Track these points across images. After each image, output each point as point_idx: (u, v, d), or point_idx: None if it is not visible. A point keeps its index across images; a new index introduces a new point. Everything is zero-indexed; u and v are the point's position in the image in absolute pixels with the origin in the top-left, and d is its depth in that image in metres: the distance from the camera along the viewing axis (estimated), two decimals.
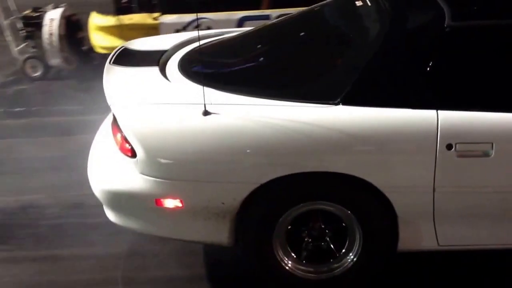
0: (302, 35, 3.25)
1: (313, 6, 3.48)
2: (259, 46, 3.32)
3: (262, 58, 3.16)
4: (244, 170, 2.58)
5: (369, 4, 2.97)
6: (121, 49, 3.40)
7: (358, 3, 3.04)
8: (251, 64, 3.10)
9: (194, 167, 2.60)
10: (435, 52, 2.54)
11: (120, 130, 2.67)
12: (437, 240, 2.71)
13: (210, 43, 3.45)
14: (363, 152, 2.54)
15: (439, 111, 2.49)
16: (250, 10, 5.68)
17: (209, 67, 3.08)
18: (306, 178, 2.58)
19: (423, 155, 2.51)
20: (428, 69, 2.53)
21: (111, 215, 2.89)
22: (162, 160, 2.60)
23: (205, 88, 2.53)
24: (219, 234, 2.72)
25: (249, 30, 3.63)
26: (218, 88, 2.69)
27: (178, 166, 2.61)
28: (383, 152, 2.53)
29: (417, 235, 2.70)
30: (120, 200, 2.77)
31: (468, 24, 2.61)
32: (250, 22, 5.39)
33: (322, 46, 3.02)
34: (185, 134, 2.59)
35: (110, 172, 2.82)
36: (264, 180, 2.55)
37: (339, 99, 2.52)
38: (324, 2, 3.48)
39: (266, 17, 5.45)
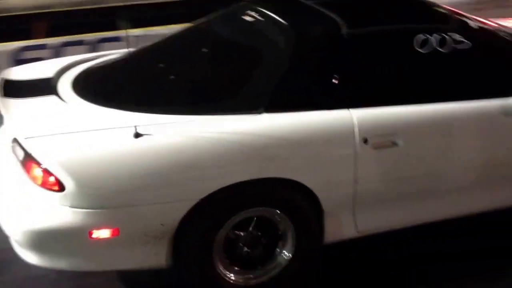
0: (205, 51, 3.30)
1: (197, 22, 3.54)
2: (161, 64, 3.29)
3: (172, 76, 3.12)
4: (182, 187, 2.55)
5: (262, 19, 3.13)
6: (3, 81, 3.21)
7: (249, 18, 3.19)
8: (162, 83, 3.08)
9: (129, 192, 2.51)
10: (338, 57, 2.84)
11: (38, 164, 2.50)
12: (356, 228, 2.91)
13: (98, 65, 3.41)
14: (290, 155, 2.67)
15: (351, 110, 2.74)
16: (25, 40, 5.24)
17: (117, 90, 3.07)
18: (242, 187, 2.62)
19: (344, 150, 2.74)
20: (335, 72, 2.78)
21: (32, 257, 2.64)
22: (95, 189, 2.48)
23: (121, 111, 2.63)
24: (158, 257, 2.64)
25: (139, 49, 3.61)
26: (139, 110, 2.67)
27: (112, 193, 2.50)
28: (308, 152, 2.69)
29: (339, 226, 2.88)
30: (47, 239, 2.55)
31: (362, 30, 2.94)
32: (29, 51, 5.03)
33: (230, 61, 3.10)
34: (117, 159, 2.50)
35: (30, 211, 2.58)
36: (203, 195, 2.55)
37: (262, 108, 2.66)
38: (207, 19, 3.54)
39: (42, 47, 5.08)
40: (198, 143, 2.54)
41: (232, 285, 2.81)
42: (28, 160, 2.56)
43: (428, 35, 2.93)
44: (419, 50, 2.92)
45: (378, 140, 2.76)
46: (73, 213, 2.48)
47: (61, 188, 2.46)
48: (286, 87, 2.74)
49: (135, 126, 2.49)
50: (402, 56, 2.97)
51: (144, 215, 2.54)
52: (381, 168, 2.83)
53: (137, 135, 2.49)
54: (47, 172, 2.48)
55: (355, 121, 2.72)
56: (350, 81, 2.80)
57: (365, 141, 2.73)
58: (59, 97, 2.91)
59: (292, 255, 2.83)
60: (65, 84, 3.07)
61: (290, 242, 2.82)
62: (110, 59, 3.51)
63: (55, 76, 3.19)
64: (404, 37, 2.95)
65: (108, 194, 2.50)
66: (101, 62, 3.47)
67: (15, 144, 2.64)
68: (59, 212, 2.49)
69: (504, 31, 3.40)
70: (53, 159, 2.47)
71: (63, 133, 2.58)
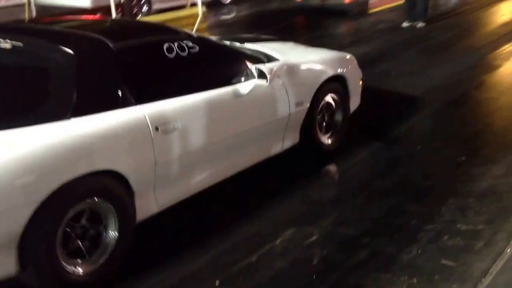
0: None
1: None
2: None
3: None
4: (21, 194, 2.78)
5: (28, 43, 3.57)
6: None
7: (8, 45, 3.52)
8: None
9: None
10: (115, 66, 3.43)
11: None
12: (157, 203, 3.55)
13: None
14: (102, 149, 3.15)
15: (140, 106, 3.38)
16: None
17: None
18: (69, 185, 2.96)
19: (144, 138, 3.35)
20: (118, 78, 3.39)
21: None
22: None
23: None
24: (6, 266, 2.85)
25: None
26: None
27: None
28: (116, 145, 3.23)
29: (145, 204, 3.48)
30: None
31: (126, 43, 3.62)
32: None
33: (23, 80, 3.44)
34: None
35: None
36: (42, 198, 2.84)
37: (68, 114, 3.09)
38: None
39: None
40: (24, 154, 2.83)
41: (78, 277, 3.13)
42: None
43: (171, 43, 3.76)
44: (168, 55, 3.71)
45: (164, 127, 3.45)
46: None
47: None
48: (83, 95, 3.20)
49: None
50: (159, 60, 3.70)
51: None
52: (170, 148, 3.53)
53: None
54: None
55: (146, 115, 3.37)
56: (131, 84, 3.40)
57: (157, 128, 3.40)
58: None
59: (118, 235, 3.28)
60: None
61: (113, 225, 3.27)
62: None
63: None
64: (156, 46, 3.71)
65: None
66: None
67: None
68: None
69: (215, 40, 4.64)
70: None
71: None
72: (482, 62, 7.78)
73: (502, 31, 9.63)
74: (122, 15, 8.82)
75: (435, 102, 6.24)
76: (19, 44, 3.52)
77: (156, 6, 11.29)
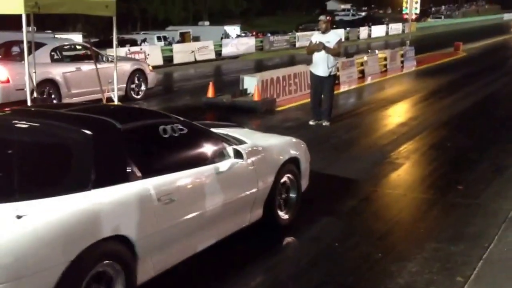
0: (12, 151, 3.96)
1: None
2: None
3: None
4: (59, 251, 3.20)
5: (44, 124, 4.04)
6: None
7: (23, 125, 4.00)
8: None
9: (28, 263, 3.06)
10: (123, 144, 3.95)
11: None
12: (154, 268, 3.93)
13: None
14: (117, 217, 3.60)
15: (147, 180, 3.87)
16: None
17: None
18: (93, 248, 3.36)
19: (149, 208, 3.82)
20: (124, 155, 3.88)
21: None
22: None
23: None
24: None
25: None
26: (17, 199, 3.31)
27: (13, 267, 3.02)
28: (128, 213, 3.68)
29: (145, 268, 3.84)
30: None
31: (131, 125, 4.15)
32: None
33: (41, 154, 3.88)
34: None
35: None
36: (72, 257, 3.24)
37: (90, 186, 3.55)
38: None
39: None
40: (58, 219, 3.27)
41: None
42: None
43: (165, 126, 4.33)
44: (163, 135, 4.27)
45: (165, 198, 3.94)
46: None
47: None
48: (100, 170, 3.68)
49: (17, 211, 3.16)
50: (156, 140, 4.24)
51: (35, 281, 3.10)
52: (169, 218, 3.99)
53: (19, 216, 3.13)
54: None
55: (151, 188, 3.87)
56: (136, 160, 3.89)
57: (159, 200, 3.90)
58: None
59: None
60: None
61: (121, 286, 3.64)
62: None
63: None
64: (154, 128, 4.28)
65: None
66: None
67: None
68: None
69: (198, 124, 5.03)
70: None
71: None
72: (386, 160, 8.24)
73: (401, 131, 10.31)
74: None
75: (347, 198, 6.50)
76: (36, 125, 4.00)
77: (68, 101, 11.19)
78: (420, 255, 4.95)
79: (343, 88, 16.13)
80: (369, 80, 18.15)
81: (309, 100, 11.19)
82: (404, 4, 26.77)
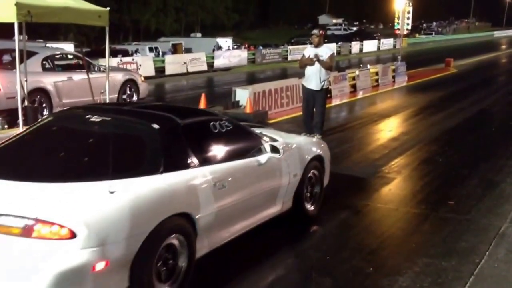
0: (88, 141, 4.60)
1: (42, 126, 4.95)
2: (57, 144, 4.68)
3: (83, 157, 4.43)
4: (142, 223, 3.84)
5: (116, 118, 4.70)
6: None
7: (96, 119, 4.64)
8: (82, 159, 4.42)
9: (117, 230, 3.65)
10: (183, 137, 4.58)
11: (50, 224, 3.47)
12: (208, 245, 4.56)
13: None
14: (184, 196, 4.27)
15: (204, 167, 4.53)
16: None
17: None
18: (166, 221, 3.99)
19: (208, 190, 4.46)
20: (185, 146, 4.55)
21: None
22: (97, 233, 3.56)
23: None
24: (123, 281, 3.74)
25: (24, 133, 4.91)
26: (111, 177, 3.87)
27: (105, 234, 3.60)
28: (192, 194, 4.34)
29: (201, 245, 4.43)
30: (64, 277, 3.42)
31: (188, 121, 4.82)
32: None
33: (122, 145, 4.37)
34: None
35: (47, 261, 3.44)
36: (151, 228, 3.86)
37: (161, 170, 4.20)
38: (48, 122, 5.01)
39: None
40: (142, 195, 3.92)
41: None
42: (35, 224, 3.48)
43: (214, 122, 5.01)
44: (213, 130, 4.94)
45: (220, 184, 4.58)
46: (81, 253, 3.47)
47: (73, 236, 3.46)
48: (168, 157, 4.33)
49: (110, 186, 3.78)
50: (208, 134, 4.89)
51: (129, 246, 3.71)
52: (222, 201, 4.59)
53: (111, 192, 3.75)
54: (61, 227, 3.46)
55: (209, 174, 4.52)
56: (194, 151, 4.53)
57: (215, 185, 4.53)
58: None
59: (186, 266, 4.26)
60: None
61: (185, 257, 4.24)
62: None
63: None
64: (206, 124, 4.96)
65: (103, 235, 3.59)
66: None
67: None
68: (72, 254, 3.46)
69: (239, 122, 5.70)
70: (71, 217, 3.52)
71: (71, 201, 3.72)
72: (377, 174, 8.24)
73: (392, 145, 10.34)
74: (25, 119, 8.63)
75: (338, 212, 6.49)
76: (112, 119, 4.63)
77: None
78: (412, 270, 4.94)
79: (335, 102, 16.17)
80: (360, 95, 18.23)
81: (301, 113, 11.21)
82: (396, 20, 26.98)
